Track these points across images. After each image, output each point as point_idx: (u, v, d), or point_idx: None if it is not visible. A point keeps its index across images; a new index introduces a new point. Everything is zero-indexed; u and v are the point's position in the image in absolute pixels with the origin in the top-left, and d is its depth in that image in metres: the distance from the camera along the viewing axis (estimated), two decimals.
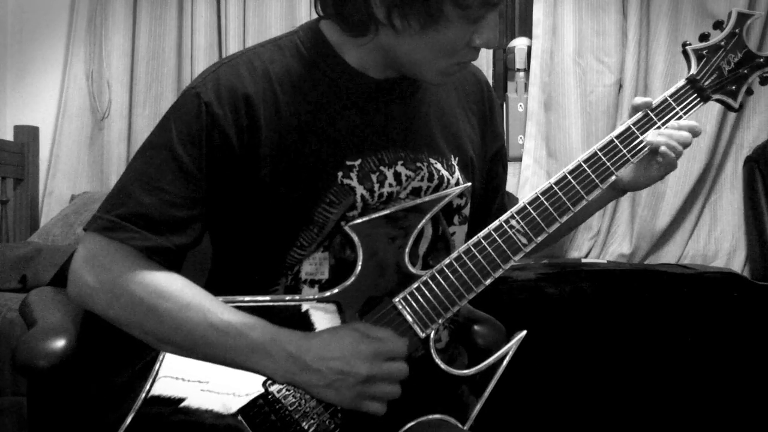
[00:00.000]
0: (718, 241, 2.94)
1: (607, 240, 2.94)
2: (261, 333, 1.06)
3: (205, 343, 1.06)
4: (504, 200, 1.39)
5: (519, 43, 3.06)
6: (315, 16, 1.17)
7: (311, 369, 1.04)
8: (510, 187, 2.92)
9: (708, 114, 2.86)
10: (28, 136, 3.11)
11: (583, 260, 2.87)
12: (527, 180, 2.94)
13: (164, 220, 1.08)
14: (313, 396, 1.08)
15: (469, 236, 1.18)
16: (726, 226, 2.93)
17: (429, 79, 1.15)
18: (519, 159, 2.98)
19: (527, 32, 3.06)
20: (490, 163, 1.34)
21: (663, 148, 1.20)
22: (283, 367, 1.05)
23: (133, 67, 3.14)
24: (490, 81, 3.03)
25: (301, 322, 1.11)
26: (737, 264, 2.90)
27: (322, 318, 1.11)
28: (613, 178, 1.20)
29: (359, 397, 1.06)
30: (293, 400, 1.09)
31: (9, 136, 3.12)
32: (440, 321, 1.14)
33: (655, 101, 1.23)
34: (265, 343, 1.05)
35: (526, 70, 3.03)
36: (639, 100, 1.24)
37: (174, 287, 1.08)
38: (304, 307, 1.11)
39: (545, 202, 1.16)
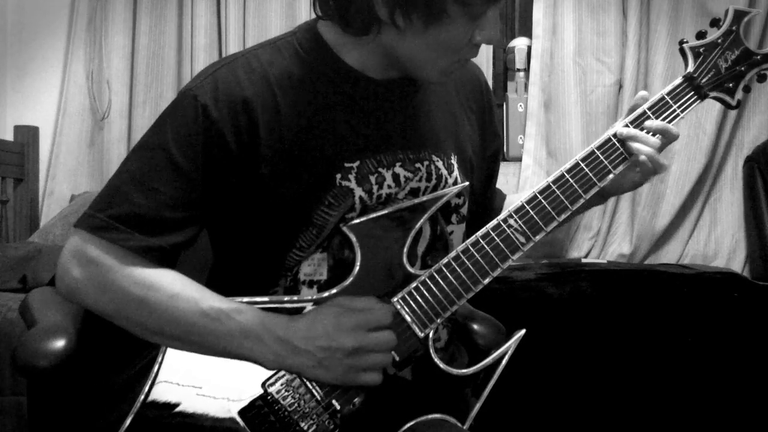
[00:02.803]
0: (718, 241, 2.94)
1: (607, 240, 2.94)
2: (251, 317, 1.06)
3: (195, 331, 1.06)
4: (496, 198, 1.40)
5: (519, 43, 3.06)
6: (315, 16, 1.17)
7: (300, 351, 1.05)
8: (510, 187, 2.94)
9: (708, 114, 2.86)
10: (28, 136, 3.11)
11: (583, 260, 2.87)
12: (527, 180, 2.94)
13: (157, 222, 1.08)
14: (306, 379, 1.08)
15: (467, 235, 1.18)
16: (726, 226, 2.94)
17: (430, 78, 1.15)
18: (519, 159, 2.98)
19: (527, 32, 3.06)
20: (488, 162, 1.34)
21: (636, 149, 1.18)
22: (274, 351, 1.06)
23: (133, 67, 3.14)
24: (490, 81, 3.05)
25: None
26: (737, 264, 2.91)
27: None
28: (611, 176, 1.19)
29: (350, 370, 1.06)
30: (292, 400, 1.09)
31: (9, 136, 3.12)
32: (439, 321, 1.13)
33: (652, 99, 1.22)
34: (255, 327, 1.06)
35: (526, 70, 3.03)
36: (640, 94, 1.23)
37: (163, 279, 1.08)
38: (303, 308, 1.11)
39: (543, 201, 1.16)
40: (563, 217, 1.17)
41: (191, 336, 1.07)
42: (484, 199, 1.36)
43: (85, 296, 1.09)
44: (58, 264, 1.10)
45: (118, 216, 1.08)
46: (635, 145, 1.18)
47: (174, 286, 1.08)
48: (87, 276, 1.08)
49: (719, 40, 1.25)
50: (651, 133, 1.20)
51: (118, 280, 1.07)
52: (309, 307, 1.11)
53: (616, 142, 1.20)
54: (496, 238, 1.15)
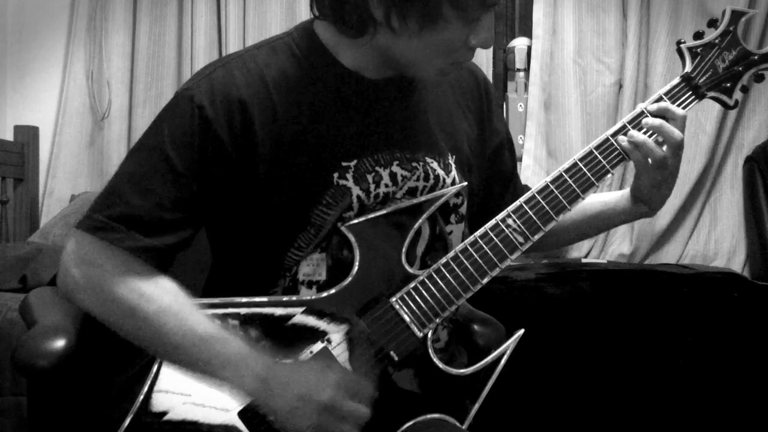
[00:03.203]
0: (718, 241, 2.94)
1: (607, 240, 2.94)
2: (234, 349, 1.06)
3: (179, 351, 1.07)
4: (518, 190, 1.37)
5: (519, 43, 3.06)
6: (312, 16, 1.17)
7: (275, 394, 1.05)
8: None
9: (708, 114, 2.86)
10: (28, 136, 3.10)
11: (583, 260, 2.87)
12: (527, 180, 2.92)
13: (154, 222, 1.08)
14: (275, 421, 1.07)
15: (470, 233, 1.18)
16: (726, 226, 2.93)
17: (427, 77, 1.16)
18: (519, 159, 2.98)
19: (527, 32, 3.06)
20: (491, 159, 1.34)
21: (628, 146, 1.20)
22: (250, 388, 1.06)
23: (133, 67, 3.14)
24: (490, 81, 3.04)
25: (298, 324, 1.11)
26: (737, 264, 2.90)
27: (320, 319, 1.11)
28: (610, 176, 1.20)
29: (317, 429, 1.04)
30: None
31: (9, 136, 3.12)
32: (438, 320, 1.14)
33: (650, 99, 1.23)
34: (236, 362, 1.06)
35: (526, 70, 3.03)
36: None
37: (156, 290, 1.08)
38: (301, 308, 1.11)
39: (541, 200, 1.17)
40: (561, 216, 1.17)
41: (174, 354, 1.07)
42: (494, 195, 1.35)
43: (82, 299, 1.09)
44: (60, 264, 1.11)
45: (115, 216, 1.08)
46: (631, 136, 1.19)
47: (164, 299, 1.07)
48: (84, 277, 1.08)
49: (716, 40, 1.26)
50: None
51: (112, 285, 1.07)
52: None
53: (614, 142, 1.21)
54: (494, 238, 1.15)
